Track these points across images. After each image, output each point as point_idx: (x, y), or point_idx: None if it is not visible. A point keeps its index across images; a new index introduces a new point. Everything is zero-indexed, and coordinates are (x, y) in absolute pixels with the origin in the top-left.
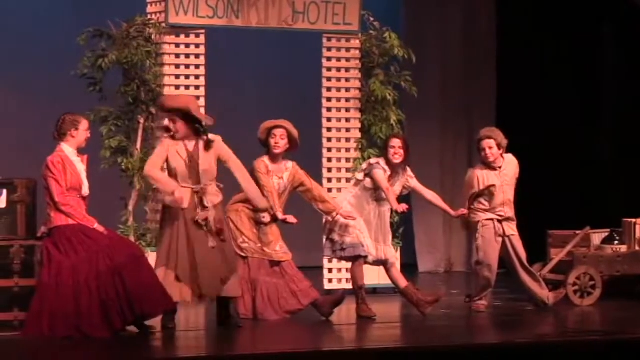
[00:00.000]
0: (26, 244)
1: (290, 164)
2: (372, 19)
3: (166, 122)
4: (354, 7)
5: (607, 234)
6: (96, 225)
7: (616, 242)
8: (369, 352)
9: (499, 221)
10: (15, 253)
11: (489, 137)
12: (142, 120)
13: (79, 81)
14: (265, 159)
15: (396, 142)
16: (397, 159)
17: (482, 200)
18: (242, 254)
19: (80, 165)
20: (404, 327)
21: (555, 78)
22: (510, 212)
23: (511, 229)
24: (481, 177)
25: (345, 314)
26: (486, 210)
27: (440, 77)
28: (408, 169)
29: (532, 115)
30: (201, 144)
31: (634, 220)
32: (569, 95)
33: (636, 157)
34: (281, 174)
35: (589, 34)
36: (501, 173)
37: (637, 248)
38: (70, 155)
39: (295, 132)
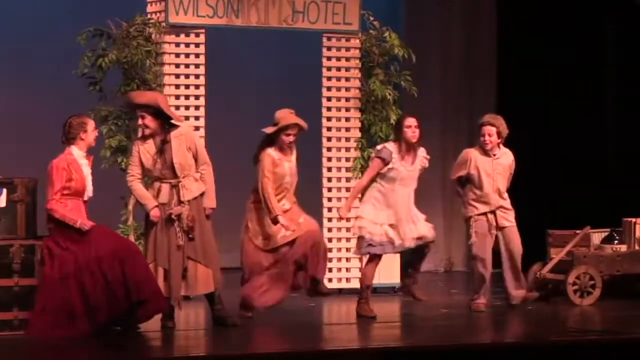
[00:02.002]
0: (26, 244)
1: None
2: (372, 18)
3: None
4: (354, 6)
5: (607, 233)
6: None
7: (616, 241)
8: (369, 351)
9: (492, 212)
10: (15, 252)
11: (492, 124)
12: None
13: (79, 81)
14: (271, 150)
15: (412, 121)
16: (415, 138)
17: (473, 189)
18: (264, 249)
19: (86, 169)
20: (404, 327)
21: (556, 78)
22: (502, 201)
23: (506, 219)
24: (474, 158)
25: (345, 313)
26: (476, 200)
27: (440, 76)
28: (423, 149)
29: (532, 115)
30: (172, 137)
31: (634, 219)
32: (569, 95)
33: (636, 157)
34: (289, 157)
35: (589, 33)
36: (494, 161)
37: (637, 247)
38: (78, 159)
39: (305, 125)
